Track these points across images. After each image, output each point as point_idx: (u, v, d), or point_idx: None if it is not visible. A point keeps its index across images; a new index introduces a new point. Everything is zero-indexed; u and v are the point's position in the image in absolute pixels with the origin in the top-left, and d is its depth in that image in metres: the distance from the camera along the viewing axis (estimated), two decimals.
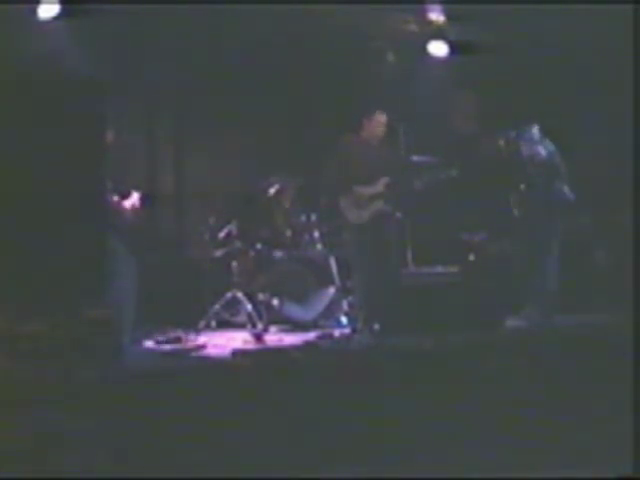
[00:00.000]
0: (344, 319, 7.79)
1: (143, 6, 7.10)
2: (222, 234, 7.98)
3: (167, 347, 6.82)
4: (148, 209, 6.76)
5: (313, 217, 8.09)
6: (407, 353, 6.13)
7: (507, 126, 7.79)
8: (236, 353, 6.23)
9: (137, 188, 6.61)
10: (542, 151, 7.53)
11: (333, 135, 7.51)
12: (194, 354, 6.53)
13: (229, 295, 7.72)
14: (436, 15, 8.31)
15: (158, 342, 6.96)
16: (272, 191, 8.09)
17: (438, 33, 8.49)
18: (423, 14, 8.35)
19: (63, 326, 4.41)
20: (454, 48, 8.48)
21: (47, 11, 7.15)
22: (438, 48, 8.58)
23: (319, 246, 8.07)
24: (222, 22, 7.77)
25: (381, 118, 7.41)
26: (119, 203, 6.39)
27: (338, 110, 8.15)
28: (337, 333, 7.34)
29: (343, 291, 7.93)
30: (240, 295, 7.71)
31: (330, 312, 7.92)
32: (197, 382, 5.38)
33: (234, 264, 7.89)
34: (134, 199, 6.49)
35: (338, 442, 5.12)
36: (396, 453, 5.06)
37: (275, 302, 7.84)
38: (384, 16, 8.20)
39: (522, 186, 7.68)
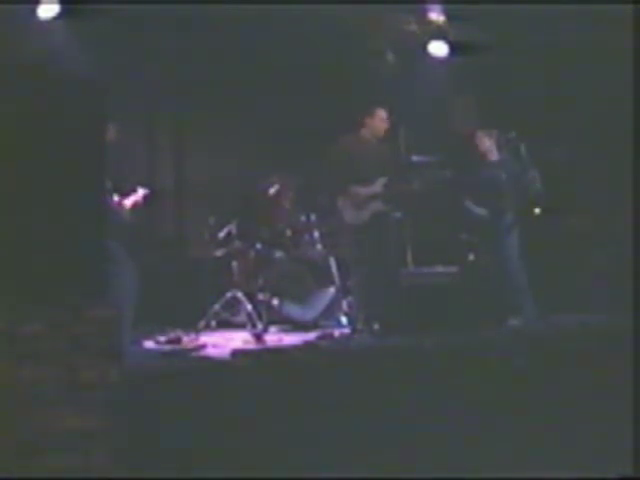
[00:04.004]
0: (344, 319, 7.79)
1: (143, 6, 7.10)
2: (222, 234, 7.99)
3: (167, 347, 6.82)
4: (148, 208, 6.77)
5: (313, 217, 8.08)
6: (407, 353, 6.13)
7: (506, 126, 7.79)
8: (236, 353, 6.22)
9: (136, 188, 6.62)
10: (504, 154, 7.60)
11: (333, 135, 7.51)
12: (194, 354, 6.52)
13: (229, 295, 7.72)
14: (436, 15, 8.31)
15: (158, 342, 6.97)
16: (272, 191, 8.09)
17: (438, 33, 8.49)
18: (423, 14, 8.36)
19: (63, 326, 4.40)
20: (454, 48, 8.49)
21: (47, 11, 7.15)
22: (438, 48, 8.58)
23: (319, 246, 8.07)
24: (222, 22, 7.77)
25: (382, 114, 7.41)
26: (119, 203, 6.41)
27: (338, 110, 8.14)
28: (337, 333, 7.33)
29: (343, 291, 7.92)
30: (240, 295, 7.71)
31: (330, 312, 7.92)
32: (197, 382, 5.37)
33: (234, 264, 7.90)
34: (135, 197, 6.50)
35: (338, 442, 5.12)
36: (396, 453, 5.06)
37: (275, 302, 7.84)
38: (384, 16, 8.20)
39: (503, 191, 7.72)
